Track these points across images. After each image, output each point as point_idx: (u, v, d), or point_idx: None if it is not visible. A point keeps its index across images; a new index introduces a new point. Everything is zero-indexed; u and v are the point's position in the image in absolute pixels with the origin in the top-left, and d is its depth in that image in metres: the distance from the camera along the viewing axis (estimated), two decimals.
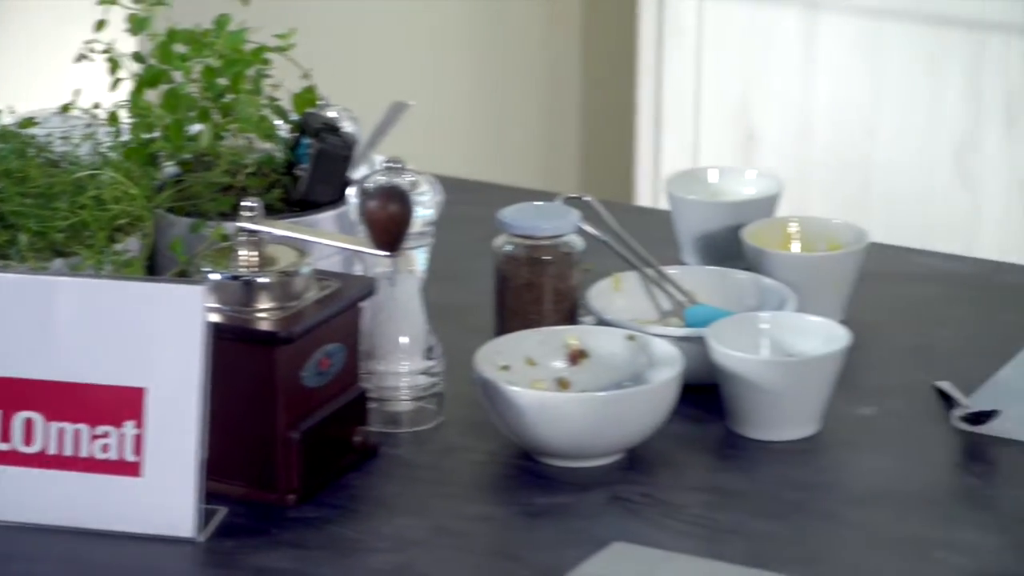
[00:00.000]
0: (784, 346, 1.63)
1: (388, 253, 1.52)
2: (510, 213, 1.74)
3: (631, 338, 1.61)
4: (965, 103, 3.36)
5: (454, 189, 1.94)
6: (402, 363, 1.64)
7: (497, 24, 3.94)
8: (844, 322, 1.79)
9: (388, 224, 1.50)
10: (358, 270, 1.71)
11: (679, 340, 1.62)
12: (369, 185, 1.58)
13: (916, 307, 1.91)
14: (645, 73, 3.62)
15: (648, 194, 3.71)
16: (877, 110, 3.44)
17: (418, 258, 1.68)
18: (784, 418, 1.58)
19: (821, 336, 1.63)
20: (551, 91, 4.08)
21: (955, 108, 3.37)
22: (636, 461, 1.55)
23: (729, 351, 1.57)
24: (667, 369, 1.55)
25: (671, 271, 1.79)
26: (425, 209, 1.65)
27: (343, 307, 1.53)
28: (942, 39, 3.33)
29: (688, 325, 1.70)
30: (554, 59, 4.07)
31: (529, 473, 1.55)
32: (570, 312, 1.72)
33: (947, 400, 1.62)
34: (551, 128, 4.06)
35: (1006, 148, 3.30)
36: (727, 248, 1.86)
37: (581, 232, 1.76)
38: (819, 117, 3.50)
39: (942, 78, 3.38)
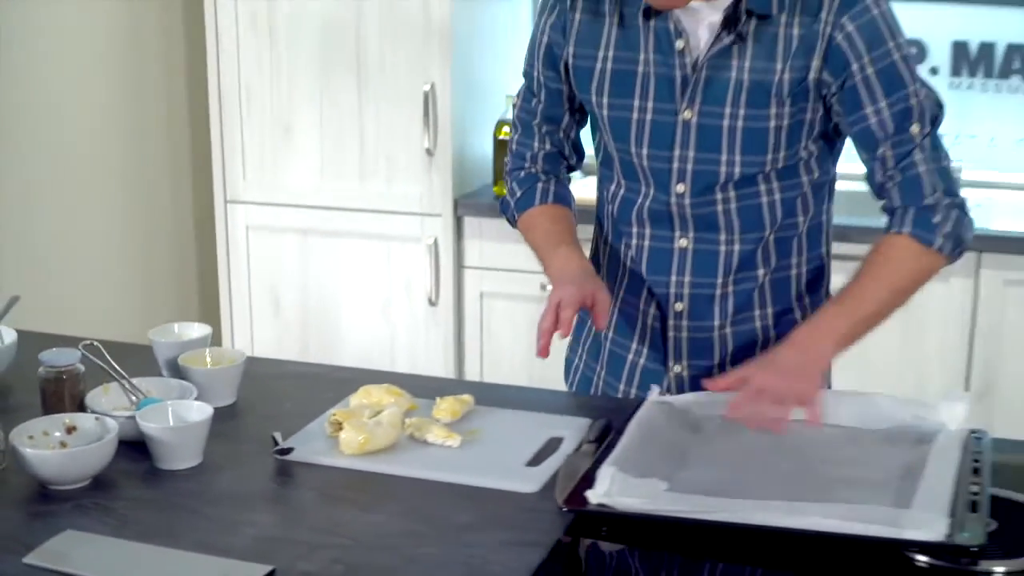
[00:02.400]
0: (184, 417, 1.61)
1: None
2: (45, 354, 1.70)
3: (97, 419, 1.59)
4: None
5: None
6: None
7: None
8: (235, 403, 1.80)
9: None
10: None
11: (126, 418, 1.60)
12: None
13: (279, 391, 1.87)
14: None
15: None
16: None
17: None
18: (178, 456, 1.57)
19: (200, 411, 1.61)
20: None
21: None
22: (96, 484, 1.53)
23: (145, 422, 1.57)
24: (112, 433, 1.53)
25: (139, 380, 1.75)
26: None
27: None
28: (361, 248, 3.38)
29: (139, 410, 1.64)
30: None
31: (40, 495, 1.51)
32: (80, 406, 1.68)
33: (275, 442, 1.61)
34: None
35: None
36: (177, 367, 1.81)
37: (86, 362, 1.72)
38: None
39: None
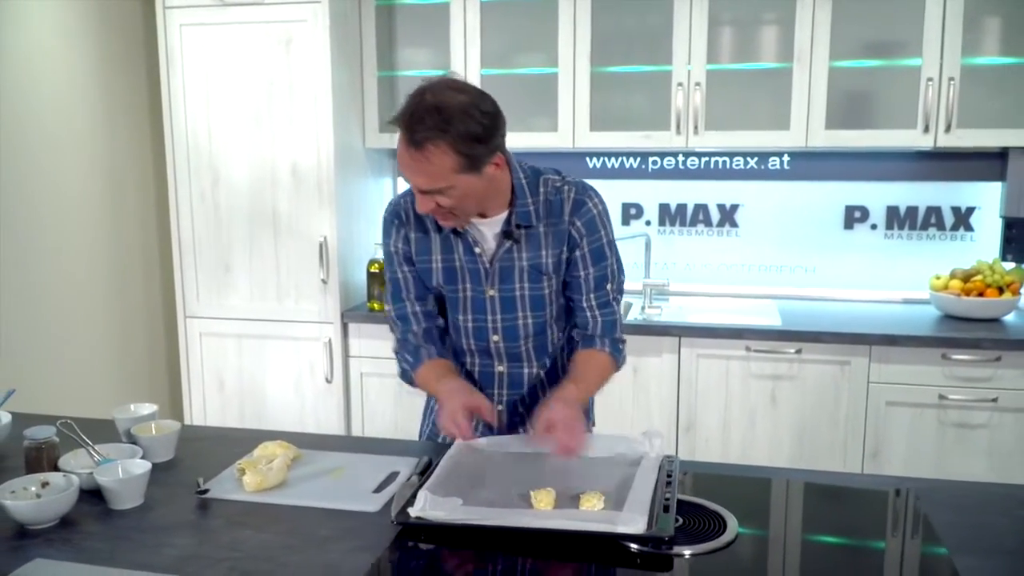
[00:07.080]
0: (130, 471, 1.48)
1: None
2: (28, 431, 1.57)
3: (65, 476, 1.46)
4: None
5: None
6: None
7: None
8: (173, 458, 1.67)
9: None
10: None
11: (87, 474, 1.48)
12: None
13: (205, 448, 1.73)
14: None
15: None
16: None
17: None
18: (124, 499, 1.45)
19: (141, 466, 1.49)
20: None
21: None
22: (63, 523, 1.40)
23: (99, 476, 1.45)
24: (74, 486, 1.41)
25: (101, 446, 1.60)
26: None
27: None
28: None
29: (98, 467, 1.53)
30: None
31: (19, 533, 1.37)
32: (55, 468, 1.54)
33: (198, 485, 1.50)
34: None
35: None
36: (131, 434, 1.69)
37: (59, 435, 1.60)
38: None
39: None
